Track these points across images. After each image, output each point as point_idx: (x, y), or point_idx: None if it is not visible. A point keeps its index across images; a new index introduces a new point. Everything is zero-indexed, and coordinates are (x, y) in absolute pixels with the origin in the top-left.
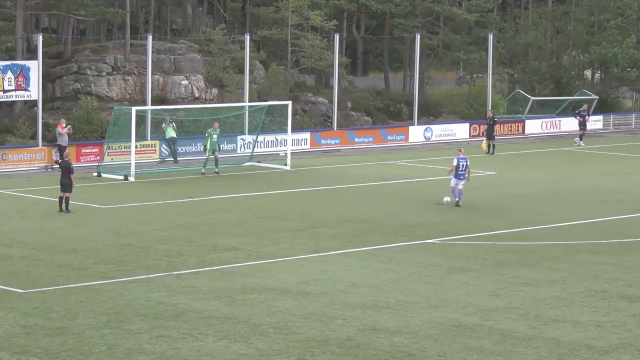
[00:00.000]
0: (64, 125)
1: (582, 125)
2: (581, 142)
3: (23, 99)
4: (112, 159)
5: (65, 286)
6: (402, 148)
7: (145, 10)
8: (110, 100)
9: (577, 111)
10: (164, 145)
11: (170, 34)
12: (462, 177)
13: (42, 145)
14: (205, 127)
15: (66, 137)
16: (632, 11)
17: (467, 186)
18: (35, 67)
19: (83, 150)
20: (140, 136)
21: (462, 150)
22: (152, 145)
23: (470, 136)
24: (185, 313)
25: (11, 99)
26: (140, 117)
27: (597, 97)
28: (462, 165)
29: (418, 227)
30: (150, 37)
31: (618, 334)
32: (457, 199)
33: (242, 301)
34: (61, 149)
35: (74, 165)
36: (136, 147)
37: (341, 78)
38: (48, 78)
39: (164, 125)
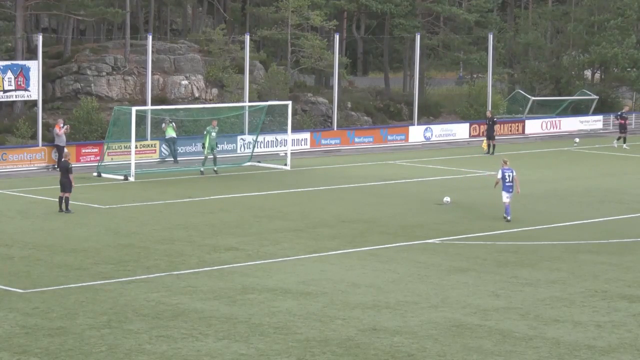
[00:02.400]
0: (62, 125)
1: (623, 127)
2: (625, 145)
3: (23, 99)
4: (112, 159)
5: (65, 286)
6: (402, 148)
7: (145, 10)
8: (110, 100)
9: (618, 113)
10: (164, 145)
11: (170, 34)
12: (510, 190)
13: (42, 145)
14: (205, 127)
15: (64, 137)
16: (632, 11)
17: (467, 186)
18: (35, 67)
19: (83, 150)
20: (140, 136)
21: (508, 162)
22: (152, 145)
23: (470, 136)
24: (185, 313)
25: (11, 99)
26: (140, 117)
27: (597, 97)
28: (509, 177)
29: (418, 227)
30: (150, 37)
31: (618, 334)
32: (509, 217)
33: (242, 301)
34: (59, 150)
35: (73, 165)
36: (136, 147)
37: (341, 78)
38: (48, 78)
39: (164, 125)
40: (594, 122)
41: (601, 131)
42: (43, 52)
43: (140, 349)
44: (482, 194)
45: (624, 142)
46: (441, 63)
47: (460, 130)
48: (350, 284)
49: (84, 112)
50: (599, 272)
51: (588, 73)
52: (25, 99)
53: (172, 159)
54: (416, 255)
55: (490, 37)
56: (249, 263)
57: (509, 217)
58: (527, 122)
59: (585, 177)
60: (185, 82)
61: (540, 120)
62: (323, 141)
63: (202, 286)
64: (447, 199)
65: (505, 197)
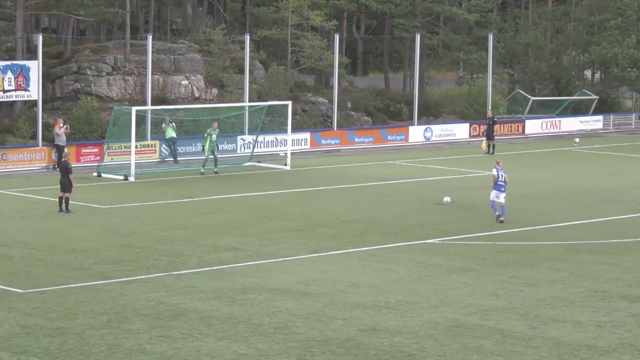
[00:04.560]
0: (62, 125)
1: None
2: None
3: (23, 99)
4: (112, 159)
5: (65, 286)
6: (402, 148)
7: (145, 10)
8: (110, 100)
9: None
10: (164, 145)
11: (170, 34)
12: (502, 189)
13: (42, 145)
14: (205, 127)
15: (64, 137)
16: (632, 11)
17: (467, 186)
18: (35, 67)
19: (83, 150)
20: (140, 136)
21: (500, 163)
22: (152, 145)
23: (470, 136)
24: (185, 313)
25: (11, 99)
26: (140, 117)
27: (597, 97)
28: (502, 177)
29: (418, 227)
30: (150, 37)
31: (618, 334)
32: (497, 213)
33: (242, 301)
34: (59, 149)
35: (73, 165)
36: (136, 147)
37: (341, 78)
38: (48, 78)
39: (164, 125)
40: (594, 122)
41: (601, 131)
42: (43, 52)
43: (140, 349)
44: (482, 194)
45: None
46: (441, 63)
47: (460, 130)
48: (350, 284)
49: (84, 112)
50: (599, 272)
51: (588, 73)
52: (25, 99)
53: (172, 159)
54: (416, 255)
55: (490, 37)
56: (249, 263)
57: (502, 218)
58: (527, 122)
59: (585, 177)
60: (185, 82)
61: (540, 120)
62: (323, 141)
63: (202, 286)
64: (447, 199)
65: (494, 195)
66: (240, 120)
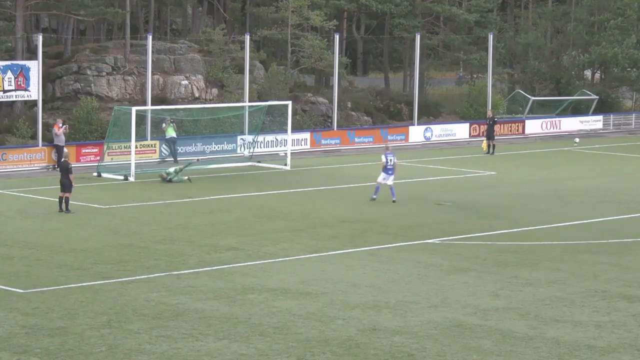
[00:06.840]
0: (61, 125)
1: None
2: None
3: (23, 99)
4: (112, 159)
5: (65, 286)
6: (402, 148)
7: (145, 10)
8: (110, 100)
9: None
10: (164, 145)
11: (170, 34)
12: (390, 172)
13: (42, 145)
14: (205, 127)
15: (63, 137)
16: (632, 11)
17: (468, 186)
18: (35, 67)
19: (83, 150)
20: (140, 136)
21: (390, 147)
22: (152, 145)
23: (470, 136)
24: (185, 313)
25: (11, 99)
26: (140, 117)
27: (597, 97)
28: (390, 161)
29: (418, 227)
30: (150, 37)
31: (618, 334)
32: (374, 196)
33: (242, 301)
34: (59, 149)
35: (73, 165)
36: (136, 147)
37: (341, 78)
38: (48, 78)
39: (164, 125)
40: (594, 122)
41: (601, 131)
42: (43, 52)
43: (140, 349)
44: (482, 194)
45: None
46: (441, 63)
47: (460, 130)
48: (350, 284)
49: (84, 112)
50: (599, 272)
51: (588, 73)
52: (25, 99)
53: (172, 159)
54: (416, 255)
55: (490, 37)
56: (249, 263)
57: (394, 198)
58: (527, 122)
59: (585, 177)
60: (185, 82)
61: (540, 120)
62: (323, 141)
63: (202, 286)
64: (381, 179)
65: (382, 179)
66: (240, 120)
